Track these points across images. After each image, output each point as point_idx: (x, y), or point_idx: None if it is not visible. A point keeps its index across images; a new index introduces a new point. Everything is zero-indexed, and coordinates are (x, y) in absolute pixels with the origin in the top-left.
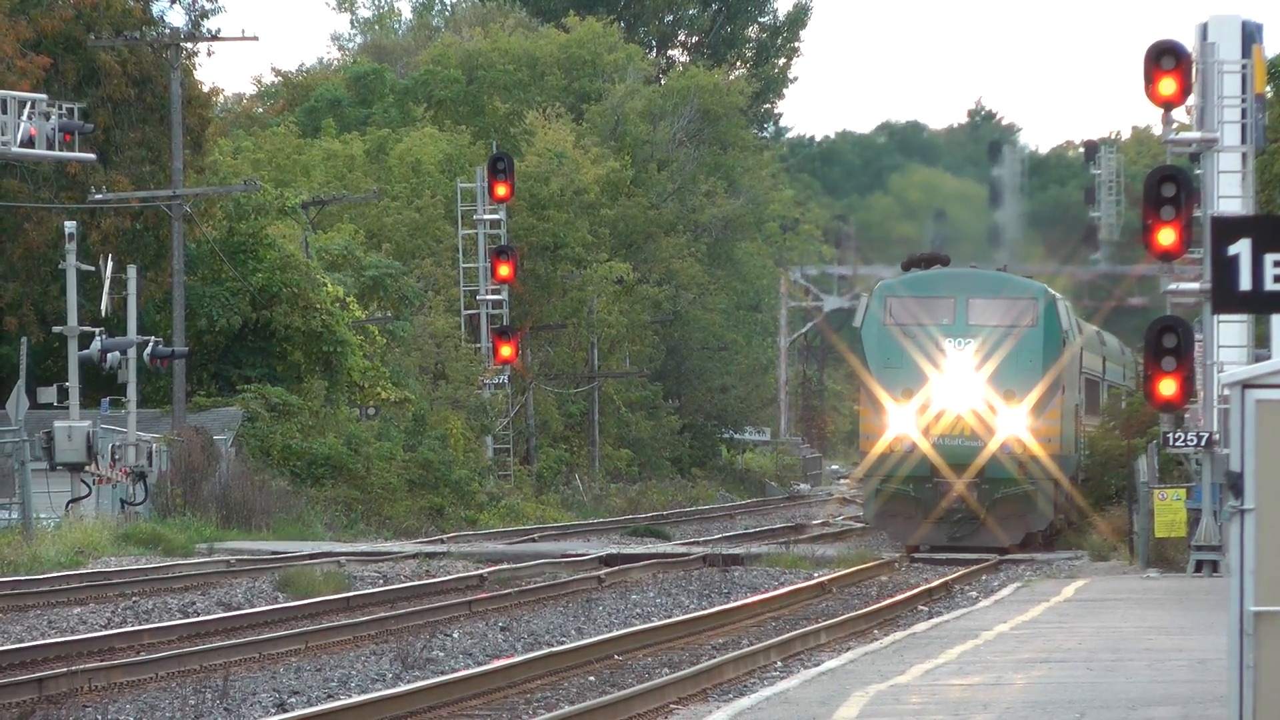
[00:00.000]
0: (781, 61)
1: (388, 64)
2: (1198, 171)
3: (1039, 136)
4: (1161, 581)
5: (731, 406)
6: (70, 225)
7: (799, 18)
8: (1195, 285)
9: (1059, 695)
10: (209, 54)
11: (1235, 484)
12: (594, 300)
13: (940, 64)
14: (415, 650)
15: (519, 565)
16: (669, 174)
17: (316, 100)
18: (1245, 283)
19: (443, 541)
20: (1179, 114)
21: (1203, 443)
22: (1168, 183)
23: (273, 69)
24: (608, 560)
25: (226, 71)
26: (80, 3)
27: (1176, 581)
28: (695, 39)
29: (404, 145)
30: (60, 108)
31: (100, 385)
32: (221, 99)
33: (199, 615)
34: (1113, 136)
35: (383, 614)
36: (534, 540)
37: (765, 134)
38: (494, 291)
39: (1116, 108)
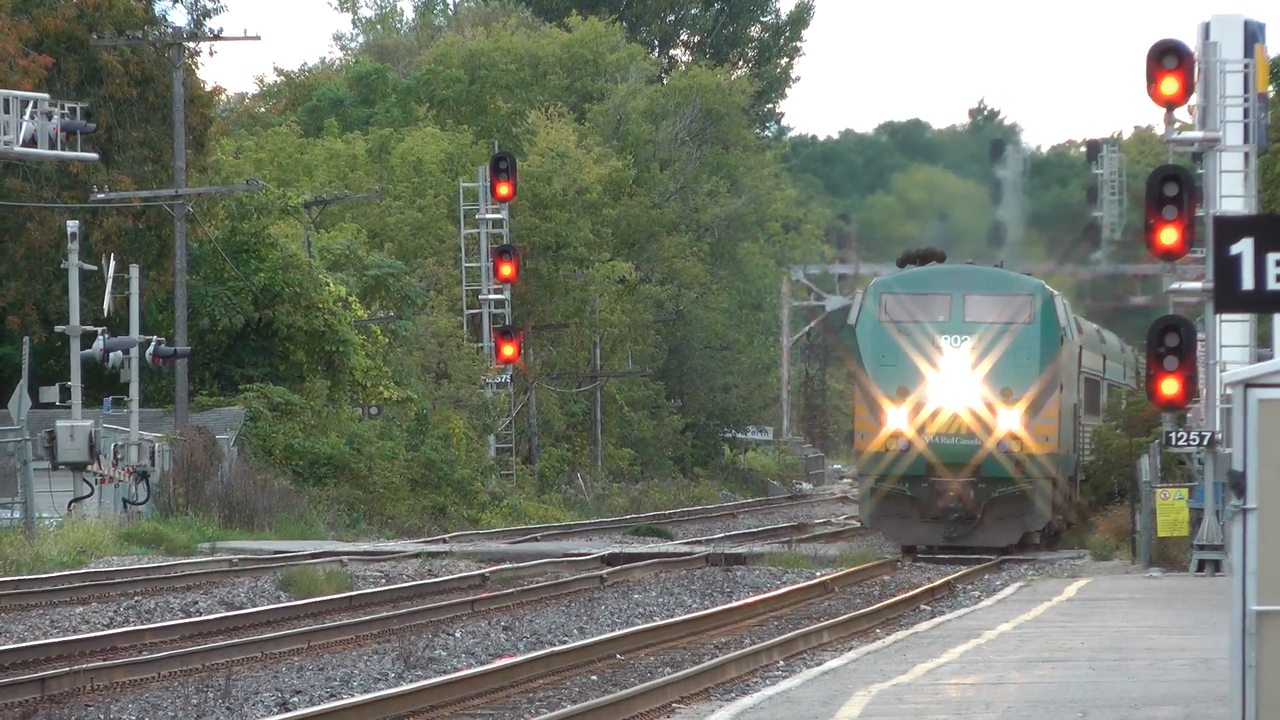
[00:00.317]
0: (784, 61)
1: (390, 64)
2: (1200, 171)
3: (1041, 136)
4: (1164, 581)
5: (734, 406)
6: (72, 225)
7: (801, 17)
8: (1197, 285)
9: (1061, 694)
10: (211, 53)
11: (1237, 483)
12: (596, 300)
13: (942, 63)
14: (417, 649)
15: (521, 565)
16: (671, 173)
17: (319, 100)
18: (1247, 282)
19: (445, 541)
20: (1181, 113)
21: (1205, 442)
22: (1170, 182)
23: (275, 68)
24: (610, 560)
25: (229, 71)
26: (83, 2)
27: (1179, 581)
28: (697, 38)
29: (406, 145)
30: (62, 107)
31: (102, 385)
32: (224, 98)
33: (201, 615)
34: (1115, 136)
35: (385, 613)
36: (536, 540)
37: (767, 133)
38: (496, 291)
39: (1119, 107)
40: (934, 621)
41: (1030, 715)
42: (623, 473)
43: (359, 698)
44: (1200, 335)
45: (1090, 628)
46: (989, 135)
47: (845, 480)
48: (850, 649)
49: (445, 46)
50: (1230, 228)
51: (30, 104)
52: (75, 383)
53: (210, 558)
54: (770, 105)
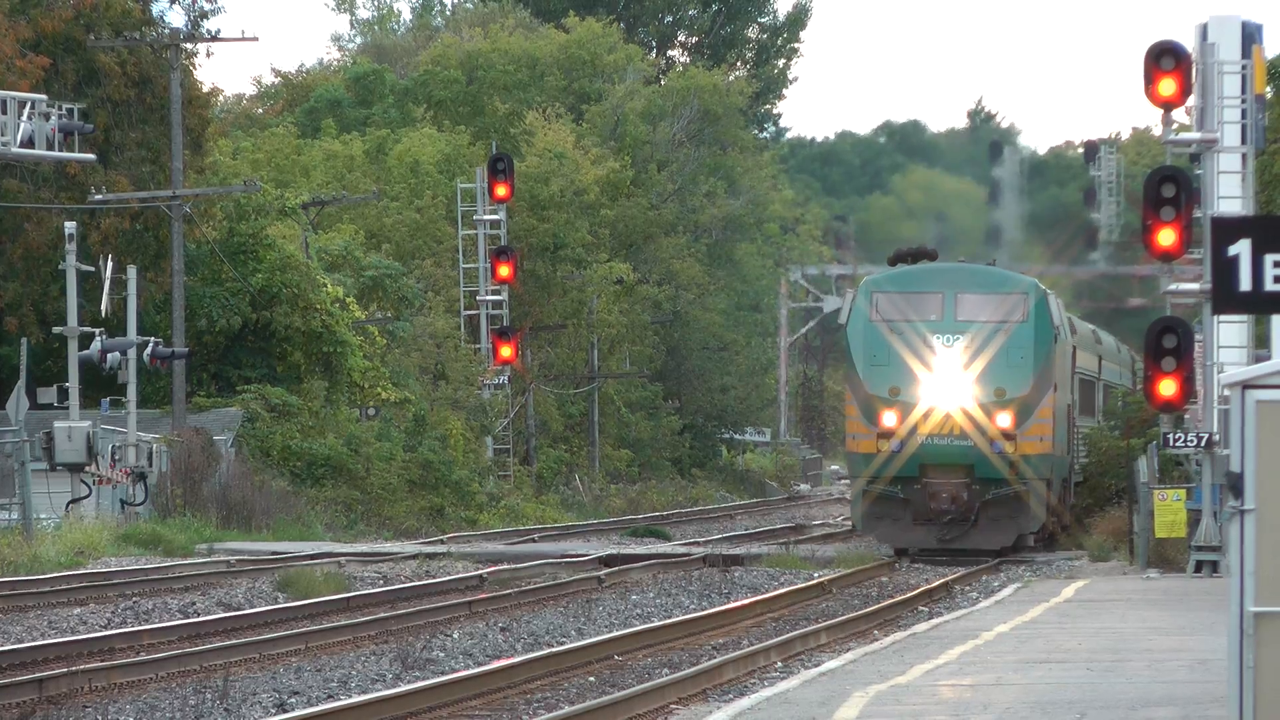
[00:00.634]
0: (781, 62)
1: (387, 64)
2: (1198, 172)
3: (1039, 137)
4: (1161, 582)
5: (731, 407)
6: (70, 226)
7: (799, 18)
8: (1195, 286)
9: (1059, 696)
10: (209, 55)
11: (1235, 484)
12: (594, 301)
13: (940, 65)
14: (415, 651)
15: (519, 566)
16: (669, 174)
17: (316, 101)
18: (1245, 283)
19: (443, 542)
20: (1179, 114)
21: (1203, 443)
22: (1167, 183)
23: (272, 69)
24: (608, 561)
25: (226, 72)
26: (80, 3)
27: (1176, 582)
28: (695, 39)
29: (403, 146)
30: (60, 108)
31: (100, 386)
32: (221, 99)
33: (199, 616)
34: (1112, 137)
35: (383, 614)
36: (534, 541)
37: (765, 134)
38: (494, 292)
39: (1116, 108)
40: (932, 623)
41: (1028, 716)
42: (620, 474)
43: (357, 699)
44: (1198, 336)
45: (1088, 629)
46: (987, 136)
47: (843, 481)
48: (848, 650)
49: (443, 47)
50: (1228, 229)
51: (28, 105)
52: (73, 384)
53: (208, 559)
54: (768, 106)
